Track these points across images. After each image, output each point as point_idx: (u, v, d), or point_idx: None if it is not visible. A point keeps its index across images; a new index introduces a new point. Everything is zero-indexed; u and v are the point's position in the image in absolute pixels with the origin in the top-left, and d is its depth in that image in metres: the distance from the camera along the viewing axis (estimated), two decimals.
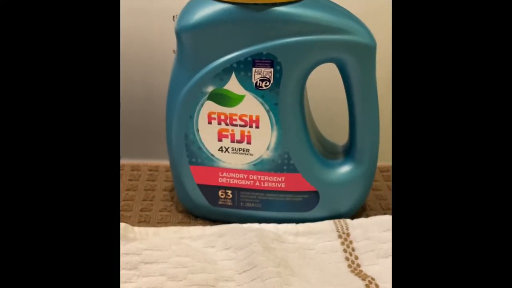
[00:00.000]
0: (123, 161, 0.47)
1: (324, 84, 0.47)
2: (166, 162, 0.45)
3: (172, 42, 0.35)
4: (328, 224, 0.35)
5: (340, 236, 0.34)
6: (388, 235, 0.34)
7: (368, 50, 0.32)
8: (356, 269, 0.32)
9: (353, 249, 0.34)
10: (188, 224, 0.38)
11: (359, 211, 0.40)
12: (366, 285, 0.30)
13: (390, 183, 0.44)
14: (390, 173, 0.45)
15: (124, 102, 0.49)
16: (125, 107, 0.49)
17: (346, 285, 0.30)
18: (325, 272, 0.32)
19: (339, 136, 0.41)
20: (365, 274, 0.32)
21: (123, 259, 0.31)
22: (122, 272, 0.31)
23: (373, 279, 0.31)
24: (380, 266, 0.32)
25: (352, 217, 0.38)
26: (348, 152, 0.37)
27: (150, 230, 0.35)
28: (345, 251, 0.34)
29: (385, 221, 0.35)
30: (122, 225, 0.34)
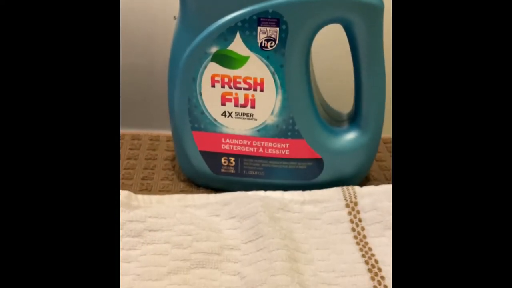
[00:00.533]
0: (123, 131, 0.46)
1: (329, 53, 0.46)
2: (166, 132, 0.45)
3: (172, 9, 0.34)
4: (336, 191, 0.35)
5: (347, 205, 0.34)
6: None
7: (375, 11, 0.32)
8: (361, 241, 0.32)
9: (360, 220, 0.33)
10: (191, 192, 0.38)
11: (363, 181, 0.39)
12: (369, 269, 0.29)
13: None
14: None
15: (125, 71, 0.49)
16: (126, 77, 0.49)
17: (349, 271, 0.30)
18: (330, 249, 0.31)
19: (343, 105, 0.40)
20: (369, 252, 0.31)
21: (127, 226, 0.31)
22: (126, 239, 0.30)
23: (376, 262, 0.30)
24: (387, 238, 0.32)
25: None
26: (353, 119, 0.36)
27: (154, 198, 0.35)
28: (351, 221, 0.33)
29: None
30: (125, 192, 0.33)
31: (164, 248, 0.30)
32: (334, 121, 0.37)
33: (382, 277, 0.29)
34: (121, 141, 0.44)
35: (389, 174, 0.41)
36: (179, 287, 0.28)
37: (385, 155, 0.44)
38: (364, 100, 0.35)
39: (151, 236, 0.31)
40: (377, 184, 0.39)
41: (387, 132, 0.46)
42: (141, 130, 0.48)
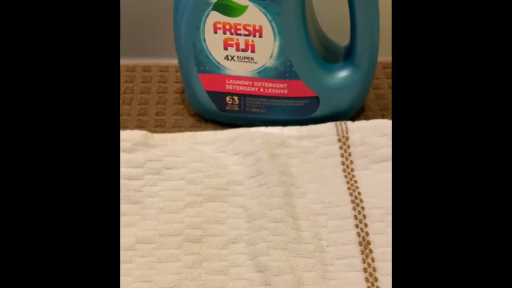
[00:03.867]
0: (134, 61, 0.48)
1: None
2: (175, 62, 0.46)
3: None
4: (330, 127, 0.38)
5: (339, 140, 0.37)
6: (384, 140, 0.36)
7: None
8: (349, 174, 0.36)
9: (349, 154, 0.36)
10: (200, 128, 0.42)
11: (358, 112, 0.42)
12: (352, 200, 0.33)
13: (391, 81, 0.46)
14: None
15: (132, 1, 0.49)
16: (132, 5, 0.49)
17: (335, 202, 0.34)
18: (321, 182, 0.35)
19: (343, 37, 0.41)
20: (354, 185, 0.35)
21: (147, 165, 0.35)
22: (148, 177, 0.35)
23: (359, 194, 0.34)
24: (371, 171, 0.35)
25: (352, 118, 0.41)
26: (348, 55, 0.38)
27: (168, 136, 0.38)
28: (342, 155, 0.36)
29: (384, 125, 0.37)
30: (142, 132, 0.37)
31: (180, 184, 0.35)
32: (330, 56, 0.39)
33: (363, 207, 0.34)
34: (133, 73, 0.47)
35: (383, 103, 0.44)
36: (194, 219, 0.33)
37: (383, 82, 0.46)
38: (358, 36, 0.36)
39: (168, 174, 0.35)
40: (371, 115, 0.42)
41: (388, 54, 0.48)
42: (151, 60, 0.50)
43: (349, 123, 0.38)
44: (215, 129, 0.41)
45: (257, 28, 0.35)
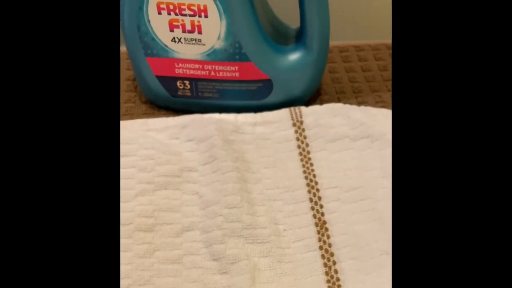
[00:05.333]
0: None
1: None
2: (125, 48, 0.45)
3: None
4: (284, 112, 0.37)
5: (294, 124, 0.37)
6: (337, 120, 0.36)
7: None
8: (305, 157, 0.35)
9: (304, 137, 0.36)
10: (152, 115, 0.40)
11: (314, 96, 0.42)
12: (307, 183, 0.33)
13: (348, 64, 0.45)
14: (349, 54, 0.46)
15: None
16: None
17: (290, 186, 0.33)
18: (276, 167, 0.34)
19: (293, 17, 0.40)
20: (310, 168, 0.34)
21: None
22: None
23: (314, 176, 0.33)
24: (327, 152, 0.35)
25: (307, 103, 0.40)
26: (299, 37, 0.38)
27: None
28: (297, 139, 0.36)
29: (337, 107, 0.37)
30: None
31: (131, 172, 0.34)
32: (281, 38, 0.38)
33: (318, 190, 0.33)
34: None
35: (339, 87, 0.43)
36: (145, 207, 0.32)
37: (339, 66, 0.45)
38: (307, 17, 0.36)
39: None
40: (327, 99, 0.42)
41: (344, 38, 0.47)
42: None
43: (302, 108, 0.38)
44: (168, 116, 0.40)
45: (202, 7, 0.34)
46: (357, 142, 0.35)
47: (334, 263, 0.30)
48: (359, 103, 0.41)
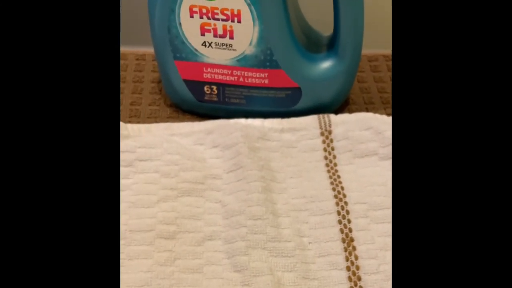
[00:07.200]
0: None
1: None
2: (152, 50, 0.45)
3: None
4: (312, 120, 0.36)
5: (322, 134, 0.36)
6: (368, 134, 0.35)
7: None
8: (332, 169, 0.34)
9: (332, 148, 0.35)
10: (177, 119, 0.40)
11: (342, 105, 0.41)
12: (335, 195, 0.32)
13: (376, 74, 0.44)
14: (377, 63, 0.45)
15: None
16: None
17: (317, 197, 0.32)
18: (302, 177, 0.34)
19: (326, 25, 0.40)
20: (338, 180, 0.33)
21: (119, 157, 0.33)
22: (120, 169, 0.33)
23: (342, 188, 0.32)
24: (355, 166, 0.34)
25: (336, 111, 0.39)
26: (332, 45, 0.37)
27: (143, 126, 0.36)
28: (325, 150, 0.35)
29: (367, 118, 0.36)
30: None
31: (154, 177, 0.33)
32: (313, 46, 0.37)
33: (346, 203, 0.32)
34: None
35: (368, 97, 0.42)
36: (167, 214, 0.31)
37: (368, 75, 0.44)
38: (341, 26, 0.35)
39: (142, 166, 0.33)
40: (355, 109, 0.41)
41: (372, 47, 0.46)
42: (126, 48, 0.47)
43: (332, 116, 0.36)
44: (193, 120, 0.39)
45: (235, 12, 0.33)
46: (385, 162, 0.34)
47: None
48: (388, 115, 0.40)
